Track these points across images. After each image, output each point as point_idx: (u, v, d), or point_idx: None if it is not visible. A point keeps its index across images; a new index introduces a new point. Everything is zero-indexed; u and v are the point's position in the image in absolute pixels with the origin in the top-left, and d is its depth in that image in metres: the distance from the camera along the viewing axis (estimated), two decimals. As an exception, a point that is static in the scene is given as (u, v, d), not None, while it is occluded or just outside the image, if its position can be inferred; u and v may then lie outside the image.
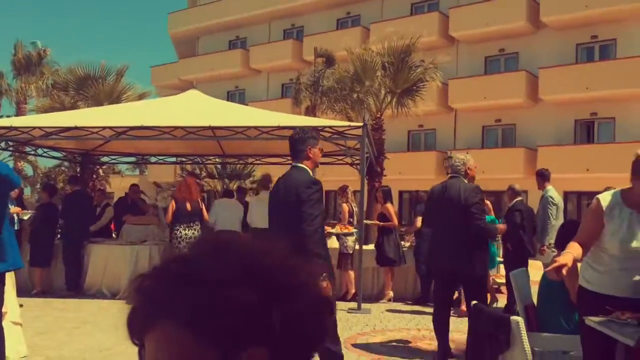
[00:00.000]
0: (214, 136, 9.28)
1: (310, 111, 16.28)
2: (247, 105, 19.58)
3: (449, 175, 5.06)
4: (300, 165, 3.93)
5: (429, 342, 5.89)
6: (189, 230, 8.13)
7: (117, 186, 18.47)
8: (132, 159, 13.36)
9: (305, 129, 4.58)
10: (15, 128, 8.39)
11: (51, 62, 21.22)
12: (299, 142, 3.94)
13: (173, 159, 13.74)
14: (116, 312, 5.37)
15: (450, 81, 21.12)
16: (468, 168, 4.96)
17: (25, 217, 7.49)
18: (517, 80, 20.85)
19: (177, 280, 0.62)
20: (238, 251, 0.66)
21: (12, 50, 21.71)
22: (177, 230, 8.14)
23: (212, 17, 29.00)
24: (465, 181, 4.92)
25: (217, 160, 13.50)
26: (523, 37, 21.53)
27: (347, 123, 9.81)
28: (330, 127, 8.46)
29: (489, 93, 21.01)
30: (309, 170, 3.95)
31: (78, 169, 12.44)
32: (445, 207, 4.84)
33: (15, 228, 7.87)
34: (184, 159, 13.55)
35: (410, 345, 5.90)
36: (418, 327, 6.72)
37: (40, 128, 8.39)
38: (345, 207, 8.96)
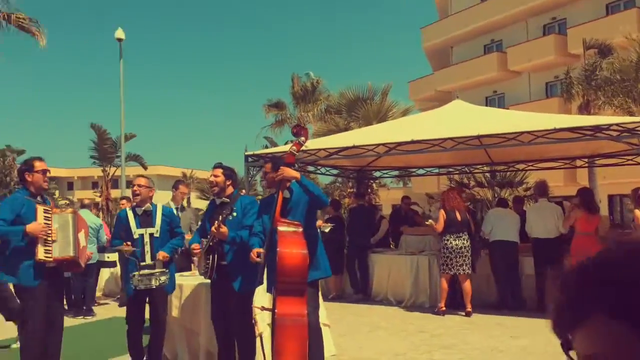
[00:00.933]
0: (481, 145, 9.14)
1: (584, 108, 14.84)
2: (507, 109, 18.82)
3: None
4: None
5: None
6: (458, 241, 8.07)
7: (385, 198, 19.56)
8: (396, 172, 13.98)
9: None
10: (305, 151, 9.56)
11: (323, 89, 23.59)
12: None
13: (436, 170, 13.93)
14: (403, 319, 5.63)
15: None
16: None
17: (326, 230, 8.47)
18: None
19: (606, 277, 0.64)
20: None
21: (290, 83, 24.79)
22: (447, 240, 8.15)
23: (464, 25, 28.73)
24: None
25: (484, 168, 13.24)
26: None
27: (638, 119, 8.69)
28: (617, 124, 7.60)
29: None
30: None
31: (350, 184, 13.54)
32: None
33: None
34: (450, 170, 13.64)
35: None
36: None
37: (324, 149, 9.42)
38: (637, 212, 7.88)
